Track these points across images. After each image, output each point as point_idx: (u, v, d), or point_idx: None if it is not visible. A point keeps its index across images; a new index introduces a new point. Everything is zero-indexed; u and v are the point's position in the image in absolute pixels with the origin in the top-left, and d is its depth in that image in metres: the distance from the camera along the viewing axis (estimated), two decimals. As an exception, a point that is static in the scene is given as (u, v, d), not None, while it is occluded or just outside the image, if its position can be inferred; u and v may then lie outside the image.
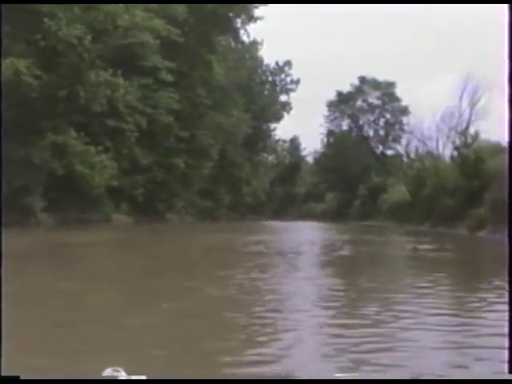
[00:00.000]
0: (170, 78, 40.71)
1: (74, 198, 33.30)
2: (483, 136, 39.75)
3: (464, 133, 40.70)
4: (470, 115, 41.04)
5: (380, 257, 16.81)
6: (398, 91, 78.17)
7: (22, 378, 3.03)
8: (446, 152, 44.78)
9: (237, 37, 60.46)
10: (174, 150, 43.94)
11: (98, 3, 30.12)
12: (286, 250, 17.75)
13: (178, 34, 35.00)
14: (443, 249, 18.96)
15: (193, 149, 46.19)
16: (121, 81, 31.15)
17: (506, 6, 3.53)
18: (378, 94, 79.92)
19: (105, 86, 30.13)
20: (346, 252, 17.08)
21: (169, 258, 14.58)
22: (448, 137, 43.24)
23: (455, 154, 40.09)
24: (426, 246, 19.24)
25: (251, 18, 55.03)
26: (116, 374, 3.02)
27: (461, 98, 41.92)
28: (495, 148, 35.90)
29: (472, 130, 40.95)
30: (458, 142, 40.78)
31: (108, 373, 3.04)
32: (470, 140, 39.90)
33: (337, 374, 4.14)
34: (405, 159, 61.01)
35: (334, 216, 70.10)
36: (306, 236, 27.35)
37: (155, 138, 42.32)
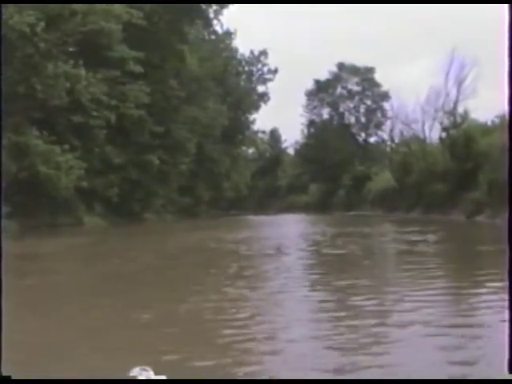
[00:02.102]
0: (138, 69, 38.25)
1: (41, 202, 31.02)
2: (472, 115, 38.02)
3: (452, 112, 38.86)
4: (458, 94, 39.09)
5: (382, 254, 14.79)
6: (378, 76, 76.69)
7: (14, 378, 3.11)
8: (433, 135, 42.89)
9: (210, 27, 58.50)
10: (149, 147, 41.76)
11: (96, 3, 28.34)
12: (274, 249, 15.60)
13: (140, 17, 32.58)
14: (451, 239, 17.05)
15: (168, 144, 44.05)
16: (82, 72, 28.72)
17: (506, 6, 3.41)
18: (357, 79, 78.34)
19: (64, 78, 27.70)
20: (340, 249, 14.93)
21: (138, 270, 12.37)
22: (434, 118, 41.30)
23: (444, 135, 38.35)
24: (430, 237, 17.30)
25: (224, 7, 53.37)
26: (144, 372, 3.03)
27: (447, 75, 39.90)
28: (486, 127, 34.26)
29: (460, 110, 39.11)
30: (446, 122, 38.95)
31: (136, 372, 3.04)
32: (459, 120, 38.11)
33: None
34: (389, 143, 59.39)
35: (319, 207, 68.67)
36: (292, 231, 25.36)
37: (127, 134, 40.19)
